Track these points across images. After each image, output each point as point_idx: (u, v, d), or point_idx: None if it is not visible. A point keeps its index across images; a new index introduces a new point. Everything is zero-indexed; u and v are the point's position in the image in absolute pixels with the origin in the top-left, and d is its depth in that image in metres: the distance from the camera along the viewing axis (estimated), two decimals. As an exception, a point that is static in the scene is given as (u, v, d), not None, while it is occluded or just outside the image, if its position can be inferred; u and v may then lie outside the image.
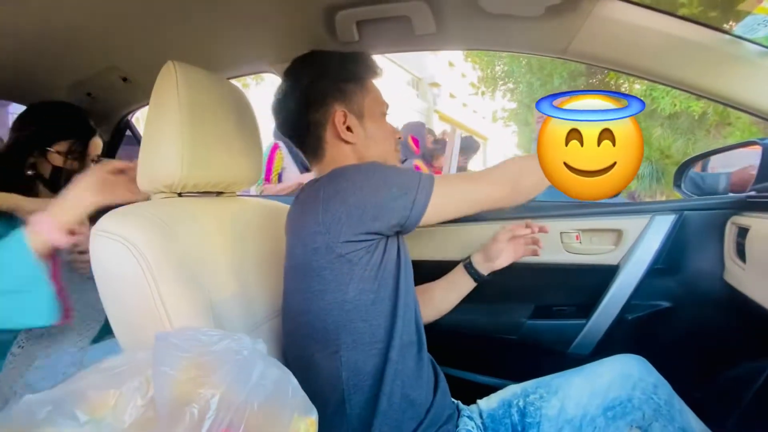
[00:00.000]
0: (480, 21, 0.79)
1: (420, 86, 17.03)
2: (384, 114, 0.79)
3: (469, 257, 0.93)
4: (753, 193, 0.86)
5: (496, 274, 0.91)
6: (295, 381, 0.39)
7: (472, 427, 0.70)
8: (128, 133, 1.42)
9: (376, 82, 0.79)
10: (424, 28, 0.83)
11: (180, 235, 0.61)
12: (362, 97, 0.75)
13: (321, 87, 0.73)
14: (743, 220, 0.82)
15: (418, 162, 2.31)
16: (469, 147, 2.48)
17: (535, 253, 0.91)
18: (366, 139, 0.75)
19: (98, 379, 0.35)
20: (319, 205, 0.62)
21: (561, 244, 1.00)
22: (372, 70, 0.78)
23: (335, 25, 0.84)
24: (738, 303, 0.81)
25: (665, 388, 0.72)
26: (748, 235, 0.78)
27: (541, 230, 0.89)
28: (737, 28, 0.74)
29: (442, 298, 0.92)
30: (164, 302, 0.53)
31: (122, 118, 1.33)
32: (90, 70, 1.06)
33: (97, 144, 0.99)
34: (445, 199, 0.66)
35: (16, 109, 1.09)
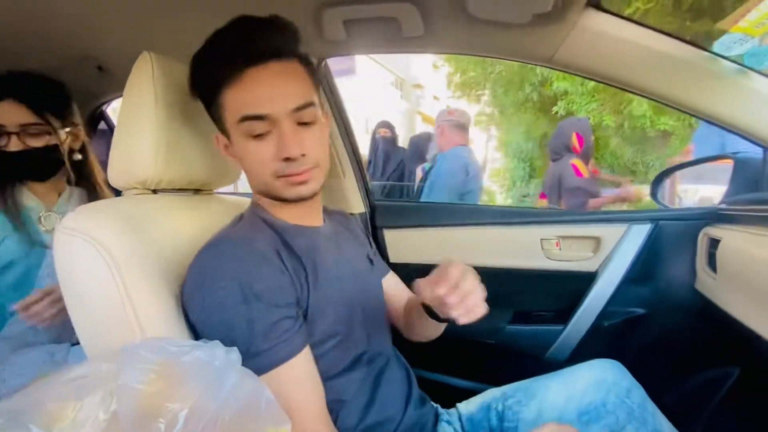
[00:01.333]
0: (468, 25, 0.79)
1: (404, 87, 17.08)
2: (246, 133, 0.57)
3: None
4: (724, 205, 0.90)
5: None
6: (268, 392, 0.37)
7: (452, 432, 0.70)
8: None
9: (253, 82, 0.56)
10: (412, 30, 0.82)
11: (152, 233, 0.58)
12: (222, 115, 0.60)
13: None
14: (715, 232, 0.85)
15: (576, 161, 2.14)
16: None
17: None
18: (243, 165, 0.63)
19: (59, 390, 0.32)
20: None
21: (541, 250, 1.02)
22: (222, 78, 0.57)
23: (322, 23, 0.83)
24: (708, 311, 0.84)
25: (639, 392, 0.73)
26: (719, 246, 0.81)
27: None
28: (715, 46, 0.76)
29: (421, 332, 0.77)
30: (134, 306, 0.50)
31: (96, 108, 1.28)
32: (64, 58, 1.01)
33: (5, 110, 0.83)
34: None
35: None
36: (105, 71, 1.08)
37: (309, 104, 0.58)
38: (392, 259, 1.13)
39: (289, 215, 0.65)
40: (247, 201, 0.87)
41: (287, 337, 0.53)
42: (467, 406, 0.78)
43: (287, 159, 0.57)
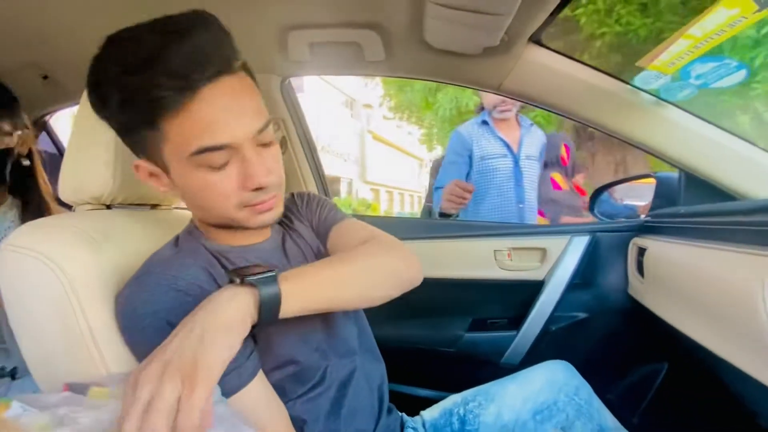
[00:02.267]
0: (425, 53, 0.85)
1: (354, 107, 17.30)
2: (202, 164, 0.48)
3: None
4: (649, 218, 1.01)
5: (436, 288, 0.95)
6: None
7: (417, 438, 0.72)
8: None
9: (205, 106, 0.45)
10: (373, 56, 0.87)
11: (110, 251, 0.56)
12: (157, 145, 0.48)
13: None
14: (642, 241, 0.96)
15: (556, 174, 2.07)
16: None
17: None
18: (185, 198, 0.55)
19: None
20: None
21: (495, 261, 1.09)
22: (167, 102, 0.44)
23: (288, 44, 0.85)
24: (639, 313, 0.94)
25: (586, 389, 0.80)
26: (645, 254, 0.91)
27: None
28: (636, 80, 0.88)
29: None
30: (92, 329, 0.48)
31: (39, 119, 1.20)
32: (5, 64, 0.95)
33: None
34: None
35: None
36: (50, 80, 1.03)
37: (268, 122, 0.51)
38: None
39: (233, 238, 0.59)
40: None
41: (234, 367, 0.47)
42: (431, 413, 0.81)
43: (257, 189, 0.50)
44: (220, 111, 0.46)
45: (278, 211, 0.56)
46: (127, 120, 0.48)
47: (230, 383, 0.47)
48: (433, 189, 1.48)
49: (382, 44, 0.84)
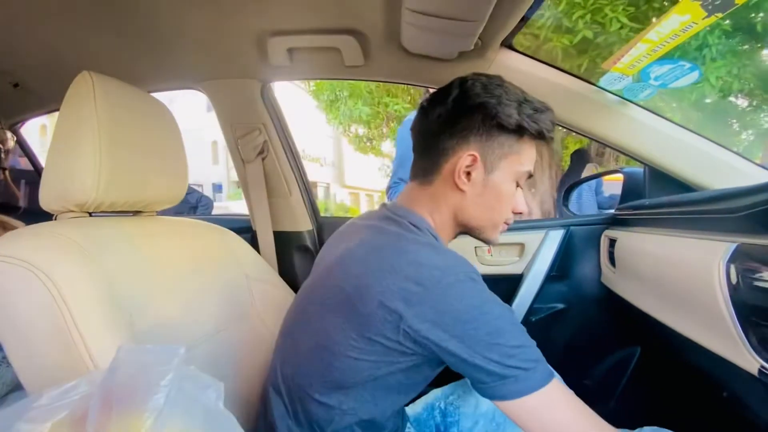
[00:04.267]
0: (402, 58, 0.88)
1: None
2: (517, 183, 0.64)
3: None
4: (618, 211, 1.07)
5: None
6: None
7: (403, 430, 0.74)
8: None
9: (532, 146, 0.63)
10: (352, 60, 0.89)
11: (97, 258, 0.56)
12: (505, 153, 0.61)
13: (470, 118, 0.60)
14: (613, 233, 1.01)
15: None
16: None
17: None
18: (477, 197, 0.62)
19: (29, 414, 0.31)
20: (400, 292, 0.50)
21: (476, 257, 1.12)
22: (537, 132, 0.61)
23: (267, 50, 0.86)
24: (612, 300, 0.99)
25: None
26: (616, 245, 0.97)
27: None
28: (601, 81, 0.94)
29: None
30: (84, 338, 0.47)
31: (10, 127, 1.16)
32: None
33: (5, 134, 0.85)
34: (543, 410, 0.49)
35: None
36: (21, 88, 1.00)
37: None
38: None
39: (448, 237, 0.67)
40: (190, 221, 0.85)
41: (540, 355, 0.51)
42: (413, 408, 0.83)
43: (518, 213, 0.66)
44: None
45: None
46: (515, 126, 0.60)
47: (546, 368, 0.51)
48: (391, 184, 1.41)
49: (361, 50, 0.86)
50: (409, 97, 5.19)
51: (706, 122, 3.97)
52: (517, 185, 0.65)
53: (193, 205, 3.27)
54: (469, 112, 0.60)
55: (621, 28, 3.16)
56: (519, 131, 0.60)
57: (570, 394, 0.52)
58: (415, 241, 0.56)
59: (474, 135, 0.60)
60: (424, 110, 0.65)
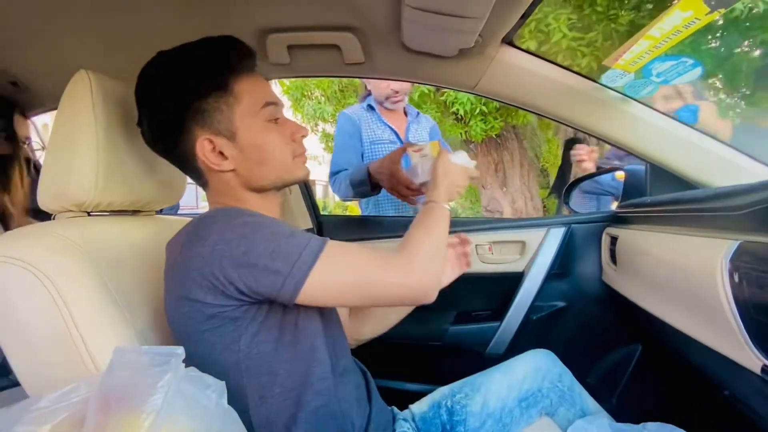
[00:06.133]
0: (403, 55, 0.87)
1: None
2: (268, 118, 0.61)
3: None
4: (620, 209, 1.07)
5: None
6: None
7: (408, 429, 0.74)
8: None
9: (242, 81, 0.59)
10: (352, 58, 0.89)
11: (95, 258, 0.56)
12: (230, 109, 0.58)
13: (171, 109, 0.58)
14: (614, 231, 1.01)
15: None
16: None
17: (469, 266, 0.83)
18: (246, 161, 0.60)
19: (27, 416, 0.30)
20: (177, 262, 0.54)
21: (476, 255, 1.12)
22: (237, 67, 0.59)
23: (267, 47, 0.86)
24: (613, 298, 0.99)
25: (568, 376, 0.84)
26: (617, 243, 0.96)
27: (464, 242, 0.83)
28: (603, 78, 0.93)
29: (384, 316, 0.87)
30: (83, 337, 0.48)
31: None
32: None
33: (21, 122, 0.87)
34: (330, 279, 0.54)
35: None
36: (20, 87, 1.00)
37: None
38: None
39: (267, 210, 0.63)
40: (187, 220, 0.85)
41: (311, 234, 0.55)
42: (419, 406, 0.83)
43: (302, 137, 0.64)
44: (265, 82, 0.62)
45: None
46: (203, 86, 0.57)
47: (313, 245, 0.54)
48: (330, 175, 1.38)
49: (361, 47, 0.85)
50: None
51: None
52: (276, 120, 0.62)
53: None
54: (164, 112, 0.58)
55: (563, 37, 3.24)
56: (213, 88, 0.57)
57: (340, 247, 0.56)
58: None
59: (190, 122, 0.58)
60: (142, 131, 0.63)
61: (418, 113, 1.61)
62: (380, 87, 1.49)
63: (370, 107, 1.53)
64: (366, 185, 1.09)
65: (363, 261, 0.56)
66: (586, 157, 1.69)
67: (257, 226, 0.53)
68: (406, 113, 1.59)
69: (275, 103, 0.62)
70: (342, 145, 1.48)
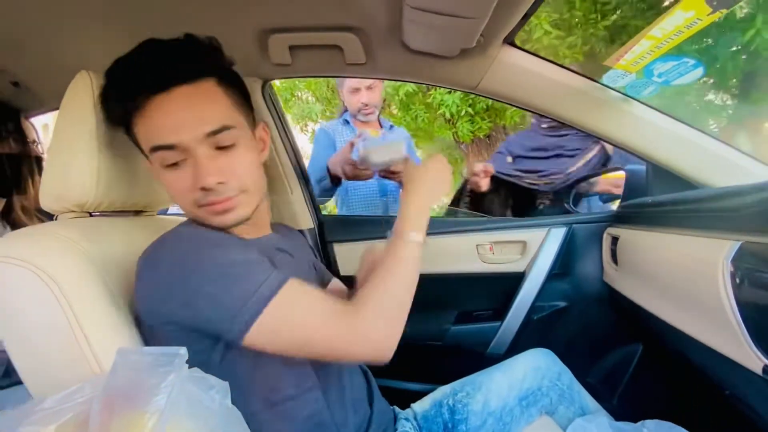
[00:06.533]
0: (404, 56, 0.87)
1: None
2: (160, 163, 0.55)
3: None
4: (621, 209, 1.07)
5: (422, 284, 0.98)
6: None
7: (410, 428, 0.75)
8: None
9: (137, 122, 0.55)
10: (354, 58, 0.88)
11: (98, 258, 0.56)
12: (137, 139, 0.57)
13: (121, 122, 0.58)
14: (615, 231, 1.01)
15: None
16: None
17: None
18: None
19: (31, 418, 0.31)
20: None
21: (477, 255, 1.12)
22: (136, 95, 0.54)
23: (268, 47, 0.86)
24: (614, 298, 0.99)
25: (567, 375, 0.84)
26: (618, 242, 0.96)
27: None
28: (604, 78, 0.93)
29: None
30: (87, 337, 0.48)
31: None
32: None
33: (28, 125, 0.88)
34: (278, 325, 0.50)
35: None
36: (21, 87, 1.00)
37: (225, 127, 0.55)
38: (343, 272, 1.17)
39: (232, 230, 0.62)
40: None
41: (268, 274, 0.51)
42: (421, 405, 0.83)
43: (203, 189, 0.54)
44: (169, 116, 0.53)
45: (239, 213, 0.58)
46: (120, 123, 0.58)
47: (265, 290, 0.51)
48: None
49: (362, 47, 0.85)
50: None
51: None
52: (173, 165, 0.55)
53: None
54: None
55: (545, 34, 3.29)
56: (132, 108, 0.54)
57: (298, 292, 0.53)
58: None
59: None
60: None
61: (392, 126, 1.70)
62: (351, 101, 1.58)
63: (346, 121, 1.63)
64: (326, 179, 1.24)
65: (311, 314, 0.51)
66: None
67: (200, 267, 0.50)
68: (381, 125, 1.67)
69: (171, 147, 0.53)
70: (315, 155, 1.58)
